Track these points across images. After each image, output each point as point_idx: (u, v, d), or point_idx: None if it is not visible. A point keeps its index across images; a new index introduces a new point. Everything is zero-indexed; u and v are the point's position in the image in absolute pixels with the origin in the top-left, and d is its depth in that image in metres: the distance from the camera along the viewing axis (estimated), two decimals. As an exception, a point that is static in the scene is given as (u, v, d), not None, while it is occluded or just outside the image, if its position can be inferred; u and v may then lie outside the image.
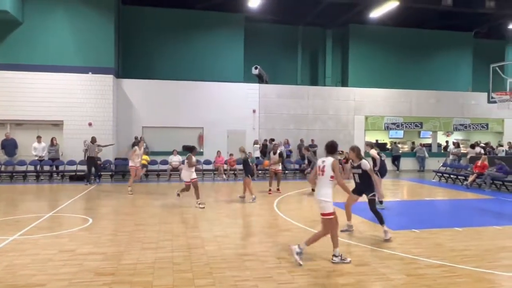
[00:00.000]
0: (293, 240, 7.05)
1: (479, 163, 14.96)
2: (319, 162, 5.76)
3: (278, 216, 9.07)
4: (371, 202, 6.98)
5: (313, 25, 23.16)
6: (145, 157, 17.02)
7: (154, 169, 17.49)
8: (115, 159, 17.69)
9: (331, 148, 5.77)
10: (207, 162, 18.04)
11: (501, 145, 20.98)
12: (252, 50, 22.41)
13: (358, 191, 7.13)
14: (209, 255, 6.03)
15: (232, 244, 6.67)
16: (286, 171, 18.03)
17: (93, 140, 15.01)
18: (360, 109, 21.64)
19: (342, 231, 7.14)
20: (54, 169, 16.67)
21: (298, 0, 18.82)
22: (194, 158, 10.39)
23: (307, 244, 5.68)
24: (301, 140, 20.02)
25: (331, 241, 5.72)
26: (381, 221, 7.01)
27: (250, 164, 11.23)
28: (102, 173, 16.45)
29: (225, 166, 17.68)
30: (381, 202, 9.83)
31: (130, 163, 12.99)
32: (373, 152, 9.84)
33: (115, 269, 5.39)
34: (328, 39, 23.53)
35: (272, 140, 19.07)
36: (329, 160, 5.61)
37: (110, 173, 17.02)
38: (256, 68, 19.93)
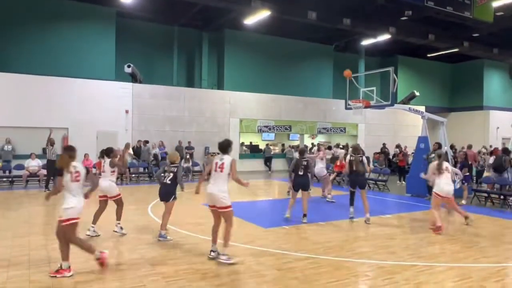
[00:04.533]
0: (167, 244, 6.89)
1: (338, 162, 16.68)
2: (217, 159, 6.07)
3: (153, 221, 8.76)
4: None
5: (189, 26, 23.06)
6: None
7: (6, 175, 15.31)
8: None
9: (227, 148, 6.13)
10: (73, 166, 16.46)
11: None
12: (126, 47, 21.31)
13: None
14: (75, 267, 5.49)
15: (101, 254, 6.19)
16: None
17: (52, 142, 13.83)
18: (235, 112, 22.27)
19: None
20: None
21: (172, 0, 18.53)
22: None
23: (225, 246, 5.91)
24: (179, 142, 19.71)
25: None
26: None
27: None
28: None
29: (94, 170, 16.41)
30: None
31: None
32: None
33: (-48, 295, 4.55)
34: (205, 41, 23.68)
35: (147, 142, 18.36)
36: (228, 158, 5.99)
37: None
38: (129, 66, 18.97)
